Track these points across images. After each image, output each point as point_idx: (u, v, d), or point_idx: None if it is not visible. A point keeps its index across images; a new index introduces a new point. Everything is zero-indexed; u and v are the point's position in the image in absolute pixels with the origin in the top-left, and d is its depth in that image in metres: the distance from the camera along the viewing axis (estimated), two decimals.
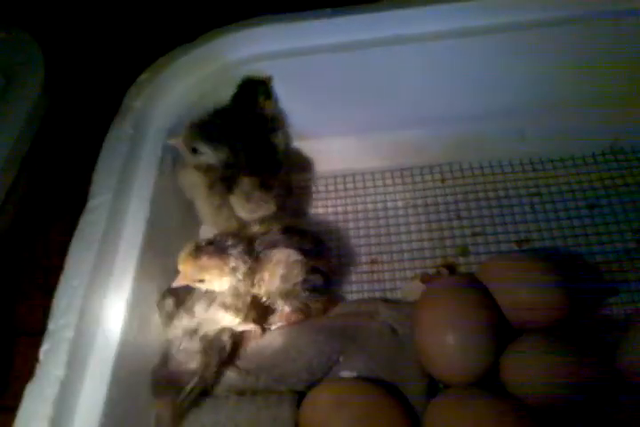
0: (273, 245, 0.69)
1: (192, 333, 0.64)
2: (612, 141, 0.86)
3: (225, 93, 0.79)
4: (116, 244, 0.63)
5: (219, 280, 0.65)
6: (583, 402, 0.60)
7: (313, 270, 0.69)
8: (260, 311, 0.71)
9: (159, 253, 0.67)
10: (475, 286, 0.69)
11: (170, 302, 0.67)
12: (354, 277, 0.81)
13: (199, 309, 0.66)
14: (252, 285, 0.68)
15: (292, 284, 0.69)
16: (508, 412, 0.60)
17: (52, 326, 0.56)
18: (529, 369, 0.62)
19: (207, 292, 0.67)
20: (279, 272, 0.68)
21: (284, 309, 0.71)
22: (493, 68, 0.82)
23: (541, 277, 0.67)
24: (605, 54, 0.81)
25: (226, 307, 0.66)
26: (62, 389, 0.52)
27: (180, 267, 0.64)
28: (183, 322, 0.65)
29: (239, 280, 0.66)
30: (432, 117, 0.88)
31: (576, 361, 0.62)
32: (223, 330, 0.67)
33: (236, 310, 0.67)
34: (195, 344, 0.63)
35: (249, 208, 0.74)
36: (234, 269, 0.65)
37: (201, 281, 0.65)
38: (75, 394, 0.54)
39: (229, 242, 0.66)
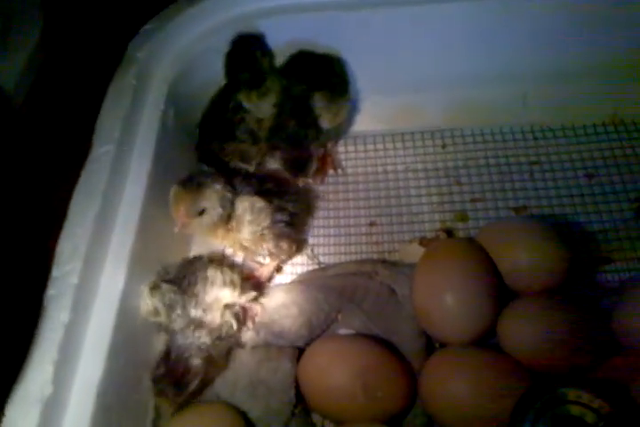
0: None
1: (197, 324, 0.62)
2: (613, 113, 0.86)
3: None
4: (119, 193, 0.63)
5: (217, 205, 0.66)
6: (578, 363, 0.61)
7: (278, 209, 0.71)
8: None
9: (162, 203, 0.66)
10: (474, 248, 0.69)
11: (167, 288, 0.64)
12: (353, 239, 0.81)
13: (200, 291, 0.65)
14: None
15: (261, 228, 0.70)
16: (503, 369, 0.61)
17: (56, 272, 0.55)
18: (525, 330, 0.63)
19: (201, 273, 0.66)
20: (246, 219, 0.69)
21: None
22: (498, 32, 0.82)
23: (541, 243, 0.68)
24: (608, 25, 0.81)
25: (224, 283, 0.66)
26: (67, 333, 0.52)
27: (174, 207, 0.64)
28: (187, 312, 0.63)
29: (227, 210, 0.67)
30: (435, 82, 0.87)
31: (572, 323, 0.62)
32: (225, 311, 0.65)
33: (233, 284, 0.67)
34: (202, 338, 0.61)
35: None
36: (223, 197, 0.67)
37: (201, 213, 0.66)
38: (79, 339, 0.53)
39: (209, 176, 0.68)
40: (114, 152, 0.63)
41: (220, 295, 0.64)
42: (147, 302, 0.64)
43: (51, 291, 0.54)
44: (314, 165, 0.79)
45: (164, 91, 0.72)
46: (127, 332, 0.58)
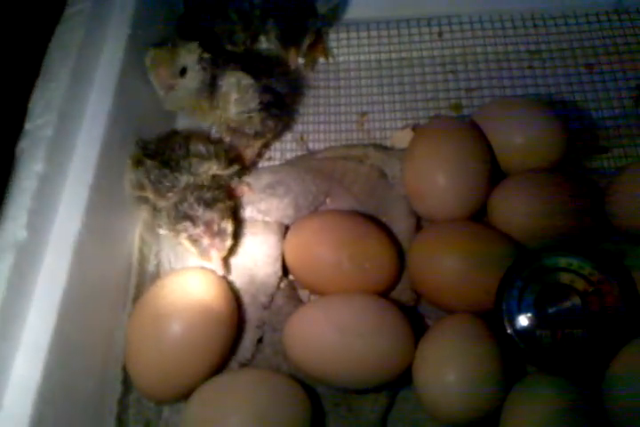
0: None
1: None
2: (617, 1, 0.82)
3: None
4: (96, 52, 0.59)
5: (196, 65, 0.64)
6: (568, 235, 0.60)
7: (265, 90, 0.68)
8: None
9: (141, 75, 0.64)
10: (468, 127, 0.67)
11: (151, 164, 0.61)
12: (343, 127, 0.78)
13: (184, 165, 0.62)
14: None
15: (248, 109, 0.67)
16: (492, 240, 0.60)
17: (29, 125, 0.53)
18: (515, 204, 0.61)
19: (183, 146, 0.64)
20: (232, 97, 0.67)
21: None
22: None
23: (537, 121, 0.66)
24: None
25: (209, 155, 0.64)
26: (41, 184, 0.50)
27: (154, 71, 0.63)
28: (178, 183, 0.60)
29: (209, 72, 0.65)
30: None
31: (564, 197, 0.61)
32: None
33: (218, 156, 0.64)
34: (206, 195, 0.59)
35: None
36: (201, 58, 0.64)
37: (183, 73, 0.64)
38: (55, 192, 0.51)
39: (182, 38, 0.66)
40: (90, 11, 0.59)
41: (205, 168, 0.62)
42: (130, 176, 0.62)
43: (23, 143, 0.52)
44: (307, 39, 0.75)
45: None
46: (106, 192, 0.56)
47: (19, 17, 0.62)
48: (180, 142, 0.63)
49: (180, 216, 0.57)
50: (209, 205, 0.58)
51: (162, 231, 0.60)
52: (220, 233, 0.58)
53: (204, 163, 0.62)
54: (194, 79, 0.64)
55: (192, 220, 0.57)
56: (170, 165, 0.61)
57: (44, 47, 0.57)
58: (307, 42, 0.76)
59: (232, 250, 0.60)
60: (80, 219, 0.51)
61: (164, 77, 0.63)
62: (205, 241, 0.57)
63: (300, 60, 0.81)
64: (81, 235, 0.51)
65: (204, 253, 0.58)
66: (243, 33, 0.77)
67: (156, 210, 0.61)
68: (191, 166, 0.61)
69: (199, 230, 0.57)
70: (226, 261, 0.60)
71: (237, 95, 0.67)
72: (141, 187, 0.61)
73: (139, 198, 0.62)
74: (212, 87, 0.66)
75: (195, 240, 0.57)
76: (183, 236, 0.58)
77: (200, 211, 0.57)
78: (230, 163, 0.66)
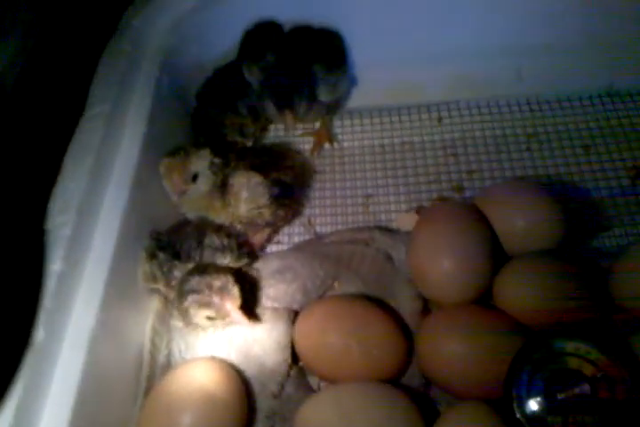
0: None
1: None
2: (609, 84, 0.86)
3: (228, 18, 0.77)
4: (113, 151, 0.62)
5: (206, 170, 0.68)
6: (574, 319, 0.61)
7: (274, 183, 0.72)
8: None
9: (155, 170, 0.67)
10: (470, 211, 0.69)
11: (164, 257, 0.64)
12: (349, 210, 0.81)
13: (196, 256, 0.65)
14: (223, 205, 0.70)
15: (258, 206, 0.70)
16: (499, 326, 0.60)
17: (48, 224, 0.55)
18: (520, 287, 0.62)
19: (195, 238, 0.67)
20: (243, 196, 0.70)
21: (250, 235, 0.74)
22: (494, 5, 0.82)
23: (537, 205, 0.67)
24: None
25: (222, 248, 0.66)
26: (59, 282, 0.52)
27: (167, 178, 0.67)
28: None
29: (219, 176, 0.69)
30: (431, 56, 0.87)
31: (568, 281, 0.62)
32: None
33: (231, 248, 0.67)
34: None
35: None
36: (212, 163, 0.68)
37: (194, 179, 0.67)
38: (72, 288, 0.53)
39: (194, 145, 0.71)
40: (108, 113, 0.63)
41: (216, 260, 0.64)
42: (144, 269, 0.64)
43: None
44: (303, 103, 0.77)
45: (159, 58, 0.72)
46: (120, 285, 0.57)
47: (40, 120, 0.65)
48: (193, 233, 0.66)
49: (185, 291, 0.59)
50: (204, 274, 0.60)
51: (173, 320, 0.61)
52: (225, 288, 0.59)
53: (217, 255, 0.64)
54: (205, 183, 0.68)
55: (196, 291, 0.59)
56: (181, 257, 0.63)
57: (63, 149, 0.61)
58: (303, 105, 0.78)
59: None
60: (95, 314, 0.53)
61: (177, 184, 0.67)
62: (216, 299, 0.58)
63: (308, 143, 0.85)
64: (95, 330, 0.53)
65: (220, 310, 0.59)
66: (252, 125, 0.81)
67: (167, 300, 0.62)
68: (202, 257, 0.63)
69: (205, 294, 0.58)
70: (244, 311, 0.60)
71: (248, 194, 0.70)
72: (154, 279, 0.63)
73: (151, 290, 0.63)
74: (223, 188, 0.69)
75: (206, 304, 0.59)
76: (194, 308, 0.59)
77: (201, 281, 0.59)
78: (239, 248, 0.68)
